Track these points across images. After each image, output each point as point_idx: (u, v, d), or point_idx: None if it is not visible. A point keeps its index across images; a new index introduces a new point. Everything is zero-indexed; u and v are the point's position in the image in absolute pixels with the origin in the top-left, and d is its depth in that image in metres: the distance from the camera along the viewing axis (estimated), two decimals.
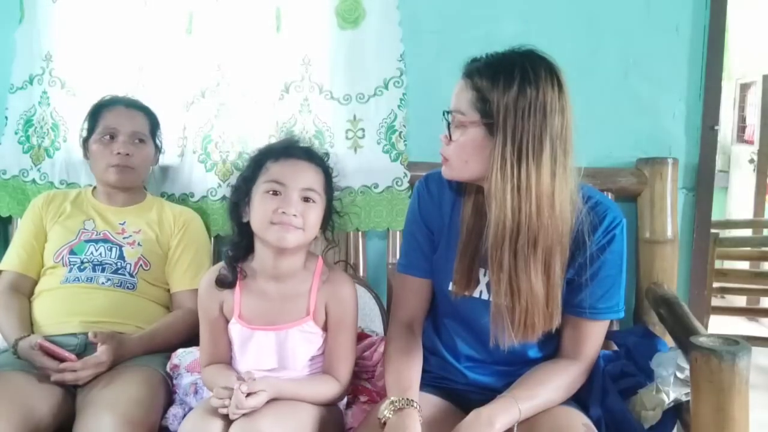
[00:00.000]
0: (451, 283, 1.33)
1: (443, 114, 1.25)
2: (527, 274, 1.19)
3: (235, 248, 1.36)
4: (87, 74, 1.92)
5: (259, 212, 1.28)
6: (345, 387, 1.37)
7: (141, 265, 1.70)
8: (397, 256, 1.58)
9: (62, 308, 1.62)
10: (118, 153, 1.71)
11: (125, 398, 1.37)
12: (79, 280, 1.66)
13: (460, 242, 1.30)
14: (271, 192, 1.28)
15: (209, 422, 1.22)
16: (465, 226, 1.30)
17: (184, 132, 1.88)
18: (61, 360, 1.45)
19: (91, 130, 1.76)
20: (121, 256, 1.70)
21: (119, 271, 1.68)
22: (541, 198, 1.17)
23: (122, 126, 1.73)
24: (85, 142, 1.78)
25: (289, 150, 1.32)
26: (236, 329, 1.35)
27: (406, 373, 1.30)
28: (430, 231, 1.38)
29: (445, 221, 1.36)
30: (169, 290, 1.75)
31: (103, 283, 1.66)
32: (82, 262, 1.68)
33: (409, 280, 1.40)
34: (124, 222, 1.76)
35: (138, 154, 1.75)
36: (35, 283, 1.72)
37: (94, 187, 1.83)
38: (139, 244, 1.72)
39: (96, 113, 1.76)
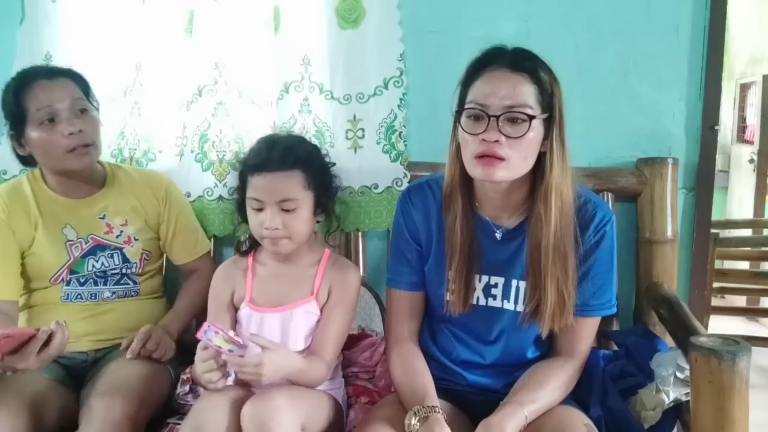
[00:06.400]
0: (447, 302, 1.33)
1: (484, 111, 1.17)
2: (573, 257, 1.26)
3: (250, 240, 1.47)
4: (86, 73, 1.91)
5: (251, 225, 1.40)
6: (329, 370, 1.40)
7: (145, 258, 1.64)
8: None
9: (70, 330, 1.49)
10: (70, 133, 1.48)
11: (120, 383, 1.38)
12: (81, 298, 1.58)
13: (454, 255, 1.30)
14: (254, 208, 1.36)
15: (222, 397, 1.25)
16: (458, 237, 1.29)
17: (184, 131, 1.88)
18: (26, 341, 1.28)
19: (19, 118, 1.49)
20: (125, 260, 1.61)
21: (123, 279, 1.61)
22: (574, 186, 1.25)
23: (57, 101, 1.48)
24: (17, 133, 1.51)
25: (261, 165, 1.35)
26: (245, 313, 1.42)
27: (418, 381, 1.30)
28: (417, 244, 1.38)
29: (433, 232, 1.35)
30: (159, 271, 1.69)
31: (107, 298, 1.60)
32: (84, 276, 1.58)
33: (400, 294, 1.40)
34: (104, 215, 1.60)
35: (88, 126, 1.52)
36: (18, 302, 1.56)
37: (43, 180, 1.59)
38: (135, 238, 1.63)
39: (15, 97, 1.48)
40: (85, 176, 1.58)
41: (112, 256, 1.60)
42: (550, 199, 1.21)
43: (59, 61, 1.91)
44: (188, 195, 1.86)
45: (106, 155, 1.88)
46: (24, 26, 1.93)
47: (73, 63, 1.91)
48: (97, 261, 1.59)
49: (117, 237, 1.61)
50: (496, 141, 1.17)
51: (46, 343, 1.29)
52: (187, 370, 1.56)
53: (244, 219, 1.43)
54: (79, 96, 1.53)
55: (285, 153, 1.35)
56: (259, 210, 1.35)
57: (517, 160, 1.19)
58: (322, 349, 1.37)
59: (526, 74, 1.18)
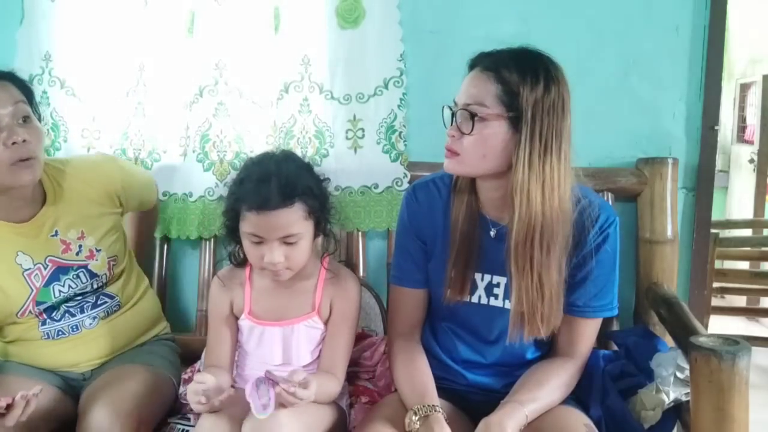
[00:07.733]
0: (446, 290, 1.33)
1: (451, 107, 1.25)
2: (549, 269, 1.22)
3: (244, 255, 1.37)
4: (86, 74, 1.91)
5: (249, 256, 1.33)
6: (342, 385, 1.38)
7: (112, 263, 1.51)
8: None
9: (60, 362, 1.48)
10: (13, 143, 1.31)
11: (120, 393, 1.36)
12: (63, 333, 1.46)
13: (453, 248, 1.30)
14: (252, 242, 1.29)
15: (222, 415, 1.23)
16: (458, 231, 1.30)
17: (187, 131, 1.88)
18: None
19: None
20: (93, 275, 1.48)
21: (99, 299, 1.50)
22: (561, 192, 1.20)
23: None
24: None
25: (260, 204, 1.25)
26: (246, 325, 1.39)
27: (419, 380, 1.30)
28: (422, 241, 1.37)
29: (438, 229, 1.35)
30: (131, 262, 1.63)
31: (90, 325, 1.48)
32: (54, 308, 1.45)
33: (404, 291, 1.40)
34: (56, 232, 1.44)
35: (33, 136, 1.35)
36: None
37: None
38: (97, 249, 1.48)
39: None
40: (27, 194, 1.40)
41: (78, 276, 1.46)
42: (515, 203, 1.20)
43: (59, 62, 1.91)
44: (190, 195, 1.86)
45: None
46: (24, 26, 1.93)
47: (73, 63, 1.92)
48: (63, 286, 1.45)
49: (77, 254, 1.46)
50: (453, 136, 1.23)
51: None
52: (189, 370, 1.56)
53: (237, 242, 1.35)
54: (22, 100, 1.36)
55: (283, 189, 1.25)
56: (258, 243, 1.28)
57: (472, 156, 1.22)
58: (334, 367, 1.36)
59: (491, 73, 1.20)
